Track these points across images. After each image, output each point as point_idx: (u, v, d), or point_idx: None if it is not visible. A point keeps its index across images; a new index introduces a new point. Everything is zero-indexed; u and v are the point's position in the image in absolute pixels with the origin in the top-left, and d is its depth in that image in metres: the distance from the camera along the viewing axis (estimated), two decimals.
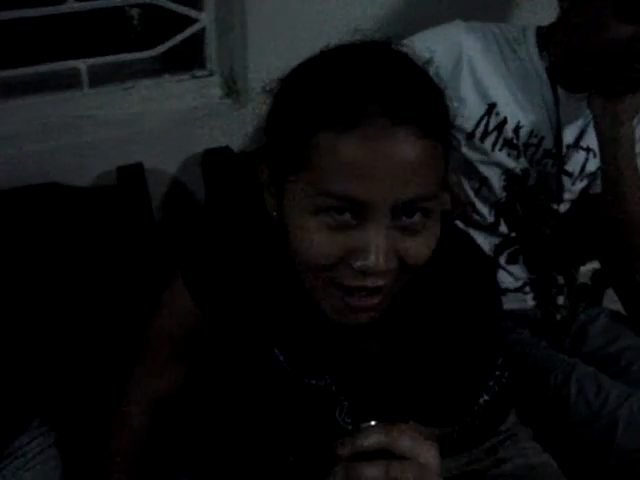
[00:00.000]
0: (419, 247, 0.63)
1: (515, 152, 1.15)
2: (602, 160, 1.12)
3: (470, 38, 1.13)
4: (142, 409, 0.89)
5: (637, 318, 1.22)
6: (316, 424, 0.85)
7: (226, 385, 0.98)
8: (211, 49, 1.37)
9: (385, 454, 0.52)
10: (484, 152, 1.15)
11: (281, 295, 0.77)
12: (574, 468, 1.01)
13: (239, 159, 1.30)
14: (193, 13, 1.33)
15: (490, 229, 1.21)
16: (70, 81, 1.30)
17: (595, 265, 1.37)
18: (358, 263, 0.61)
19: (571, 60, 1.08)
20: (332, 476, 0.52)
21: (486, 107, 1.13)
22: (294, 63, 0.66)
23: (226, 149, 1.32)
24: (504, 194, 1.19)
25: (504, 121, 1.13)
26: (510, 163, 1.16)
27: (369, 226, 0.60)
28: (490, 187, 1.18)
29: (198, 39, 1.37)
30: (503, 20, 1.32)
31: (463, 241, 0.82)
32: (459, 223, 1.20)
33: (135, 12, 1.48)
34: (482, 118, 1.13)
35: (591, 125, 1.14)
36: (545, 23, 1.15)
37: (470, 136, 1.14)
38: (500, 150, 1.15)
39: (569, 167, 1.19)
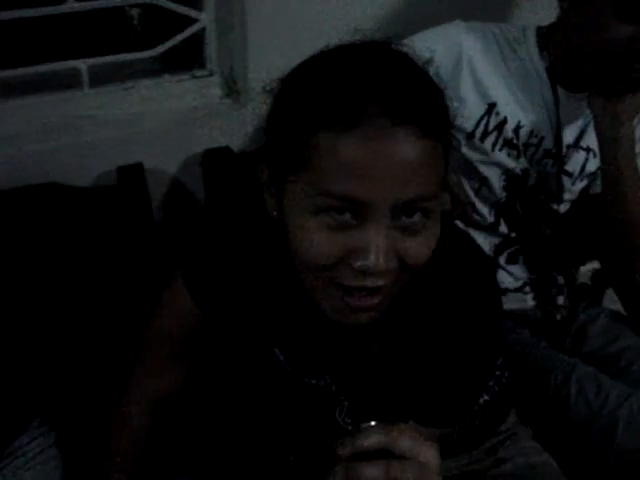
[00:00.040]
0: (419, 247, 0.63)
1: (515, 152, 1.15)
2: (602, 160, 1.12)
3: (470, 38, 1.13)
4: (142, 409, 0.89)
5: (637, 318, 1.22)
6: (316, 424, 0.85)
7: (226, 385, 0.99)
8: (211, 49, 1.37)
9: (385, 454, 0.52)
10: (484, 152, 1.15)
11: (281, 295, 0.77)
12: (574, 468, 1.02)
13: (239, 159, 1.30)
14: (193, 13, 1.33)
15: (490, 229, 1.21)
16: (70, 81, 1.30)
17: (595, 265, 1.37)
18: (358, 263, 0.61)
19: (571, 60, 1.08)
20: (332, 476, 0.52)
21: (486, 107, 1.13)
22: (295, 63, 0.66)
23: (226, 149, 1.32)
24: (504, 194, 1.19)
25: (504, 121, 1.13)
26: (510, 163, 1.16)
27: (369, 226, 0.60)
28: (490, 187, 1.18)
29: (198, 39, 1.37)
30: (503, 20, 1.32)
31: (463, 241, 0.82)
32: (459, 223, 1.20)
33: (135, 12, 1.48)
34: (482, 118, 1.13)
35: (591, 125, 1.14)
36: (545, 23, 1.15)
37: (470, 136, 1.14)
38: (500, 150, 1.15)
39: (569, 167, 1.19)
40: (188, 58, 1.39)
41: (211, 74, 1.39)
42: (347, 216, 0.60)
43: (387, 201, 0.59)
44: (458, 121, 1.11)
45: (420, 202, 0.61)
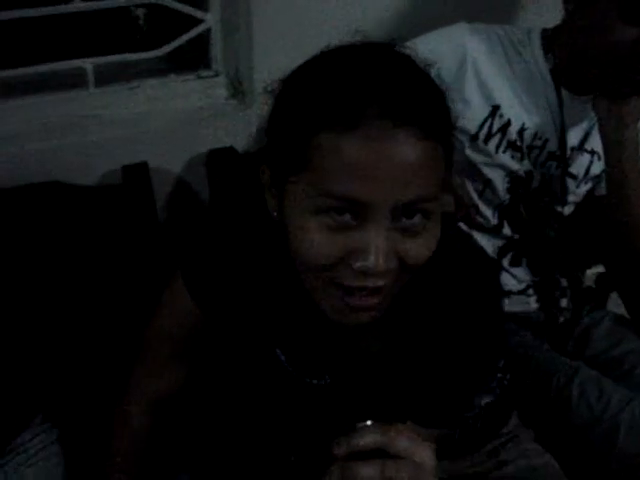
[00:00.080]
0: (419, 248, 0.63)
1: (519, 154, 1.15)
2: (606, 162, 1.12)
3: (474, 40, 1.13)
4: (142, 409, 0.89)
5: None
6: (317, 424, 0.85)
7: (227, 385, 0.99)
8: (217, 50, 1.37)
9: (381, 454, 0.52)
10: (488, 154, 1.15)
11: (282, 295, 0.77)
12: (576, 471, 1.01)
13: (243, 159, 1.31)
14: (199, 14, 1.33)
15: (494, 231, 1.21)
16: (76, 80, 1.31)
17: (600, 269, 1.37)
18: (358, 264, 0.61)
19: (576, 62, 1.08)
20: (328, 476, 0.53)
21: (490, 109, 1.13)
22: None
23: (230, 149, 1.32)
24: (508, 196, 1.19)
25: (508, 123, 1.13)
26: (514, 165, 1.16)
27: (369, 227, 0.60)
28: (494, 189, 1.18)
29: (204, 39, 1.37)
30: (508, 22, 1.32)
31: (466, 243, 0.82)
32: (463, 225, 1.20)
33: (141, 12, 1.49)
34: (486, 120, 1.13)
35: (596, 128, 1.13)
36: (550, 25, 1.15)
37: (474, 138, 1.14)
38: (504, 152, 1.14)
39: (573, 169, 1.19)
40: (194, 58, 1.40)
41: (216, 74, 1.39)
42: (347, 217, 0.61)
43: (387, 202, 0.59)
44: (462, 123, 1.11)
45: (420, 203, 0.61)
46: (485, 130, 1.13)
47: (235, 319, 0.81)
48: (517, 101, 1.14)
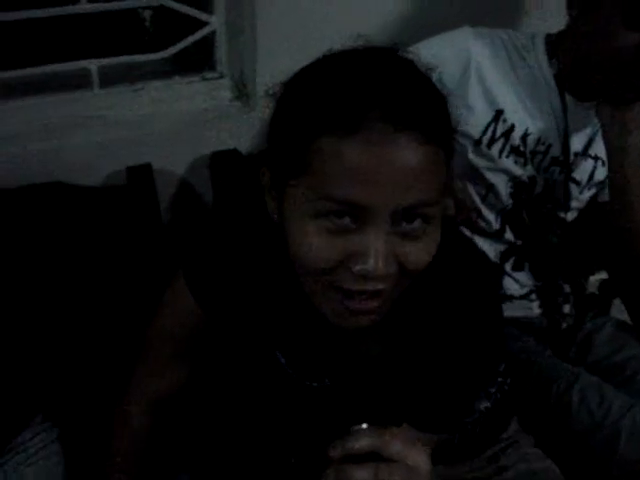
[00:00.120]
0: (419, 252, 0.63)
1: (522, 159, 1.15)
2: (609, 168, 1.12)
3: (478, 44, 1.13)
4: (142, 409, 0.90)
5: None
6: (317, 426, 0.85)
7: (227, 386, 0.99)
8: (221, 52, 1.38)
9: (376, 457, 0.52)
10: (491, 159, 1.15)
11: (282, 298, 0.77)
12: (576, 478, 1.01)
13: (247, 162, 1.31)
14: (204, 16, 1.34)
15: (496, 236, 1.21)
16: (80, 81, 1.31)
17: (604, 275, 1.37)
18: (357, 267, 0.61)
19: (579, 68, 1.08)
20: (324, 478, 0.53)
21: (493, 114, 1.13)
22: None
23: (234, 151, 1.32)
24: (511, 201, 1.19)
25: (511, 128, 1.13)
26: (517, 170, 1.16)
27: (369, 230, 0.60)
28: (497, 194, 1.18)
29: (208, 42, 1.38)
30: (512, 27, 1.32)
31: (466, 247, 0.82)
32: (465, 230, 1.20)
33: (147, 14, 1.49)
34: (489, 125, 1.13)
35: (599, 133, 1.13)
36: (554, 30, 1.15)
37: (477, 142, 1.14)
38: (507, 157, 1.14)
39: (577, 175, 1.19)
40: (198, 60, 1.40)
41: (221, 76, 1.39)
42: (347, 220, 0.61)
43: (388, 206, 0.60)
44: (465, 127, 1.12)
45: (421, 208, 0.61)
46: (488, 135, 1.13)
47: (236, 320, 0.82)
48: (521, 106, 1.13)
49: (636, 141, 1.07)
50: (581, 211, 1.24)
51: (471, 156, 1.15)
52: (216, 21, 1.34)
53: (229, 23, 1.34)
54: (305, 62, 0.66)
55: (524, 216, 1.20)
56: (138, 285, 1.14)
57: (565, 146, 1.15)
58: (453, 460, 0.94)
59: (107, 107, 1.31)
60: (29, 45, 1.39)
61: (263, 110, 0.69)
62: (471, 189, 1.19)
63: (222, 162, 1.31)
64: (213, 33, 1.36)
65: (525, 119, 1.14)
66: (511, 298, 1.23)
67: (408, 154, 0.59)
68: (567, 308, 1.25)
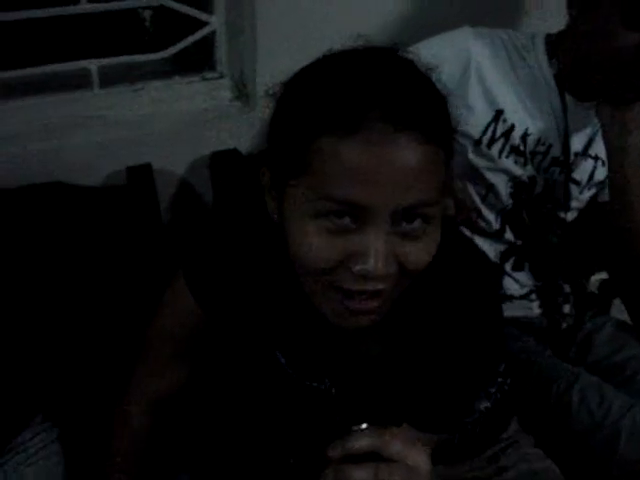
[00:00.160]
0: (419, 252, 0.63)
1: (522, 159, 1.15)
2: (609, 168, 1.12)
3: (478, 44, 1.13)
4: (142, 409, 0.90)
5: None
6: (317, 427, 0.85)
7: (227, 386, 0.99)
8: (221, 52, 1.38)
9: (376, 457, 0.52)
10: (491, 159, 1.15)
11: (282, 298, 0.77)
12: (576, 478, 1.01)
13: (247, 162, 1.31)
14: (204, 16, 1.34)
15: (496, 236, 1.21)
16: (80, 81, 1.31)
17: (604, 275, 1.37)
18: (357, 267, 0.61)
19: (579, 68, 1.08)
20: (323, 478, 0.53)
21: (493, 114, 1.13)
22: None
23: (234, 151, 1.32)
24: (511, 201, 1.19)
25: (511, 128, 1.13)
26: (517, 170, 1.16)
27: (369, 230, 0.60)
28: (497, 194, 1.18)
29: (208, 42, 1.38)
30: (512, 27, 1.32)
31: (466, 247, 0.82)
32: (465, 230, 1.20)
33: (147, 14, 1.49)
34: (489, 125, 1.13)
35: (599, 133, 1.13)
36: (554, 30, 1.15)
37: (477, 142, 1.14)
38: (507, 157, 1.14)
39: (577, 175, 1.19)
40: (198, 60, 1.40)
41: (221, 76, 1.39)
42: (347, 220, 0.61)
43: (388, 206, 0.60)
44: (465, 127, 1.12)
45: (421, 208, 0.61)
46: (488, 135, 1.13)
47: (236, 320, 0.82)
48: (521, 106, 1.13)
49: (636, 141, 1.07)
50: (581, 211, 1.24)
51: (471, 156, 1.15)
52: (216, 21, 1.34)
53: (229, 23, 1.34)
54: (305, 62, 0.66)
55: (524, 216, 1.20)
56: (138, 285, 1.14)
57: (565, 146, 1.15)
58: (453, 460, 0.94)
59: (107, 107, 1.31)
60: (29, 45, 1.39)
61: (263, 110, 0.69)
62: (471, 189, 1.19)
63: (222, 162, 1.31)
64: (213, 33, 1.36)
65: (525, 119, 1.14)
66: (511, 298, 1.23)
67: (408, 154, 0.59)
68: (567, 308, 1.25)
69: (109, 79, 1.32)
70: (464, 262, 0.77)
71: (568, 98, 1.13)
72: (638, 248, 1.14)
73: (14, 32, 1.31)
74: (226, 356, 0.92)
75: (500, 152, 1.14)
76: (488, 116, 1.13)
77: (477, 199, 1.20)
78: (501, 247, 1.22)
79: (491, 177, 1.17)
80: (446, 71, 1.07)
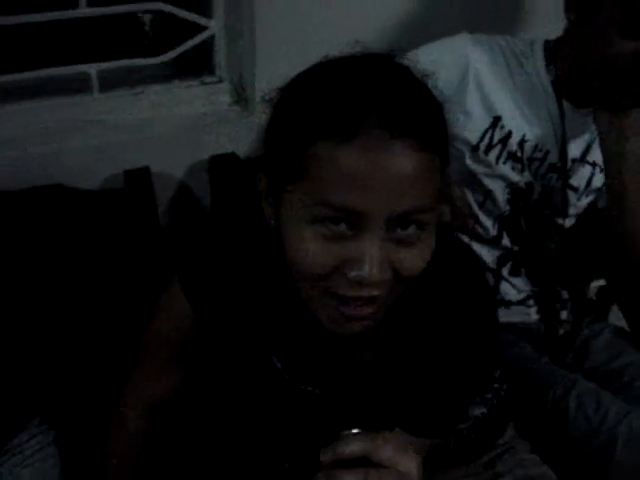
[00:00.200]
0: (414, 259, 0.63)
1: (519, 165, 1.15)
2: (606, 174, 1.12)
3: (477, 50, 1.13)
4: (138, 413, 0.89)
5: None
6: (311, 431, 0.85)
7: (223, 390, 0.99)
8: (220, 56, 1.38)
9: (367, 462, 0.52)
10: (488, 165, 1.15)
11: (279, 303, 0.77)
12: None
13: (245, 166, 1.31)
14: (203, 20, 1.34)
15: (493, 242, 1.21)
16: (80, 85, 1.31)
17: (603, 281, 1.37)
18: (353, 273, 0.61)
19: (576, 74, 1.08)
20: None
21: (491, 120, 1.13)
22: None
23: (232, 155, 1.32)
24: (508, 207, 1.19)
25: (509, 134, 1.13)
26: (514, 176, 1.16)
27: (364, 237, 0.61)
28: (494, 200, 1.18)
29: (207, 46, 1.38)
30: (511, 33, 1.33)
31: (462, 253, 0.82)
32: (462, 236, 1.20)
33: (146, 18, 1.49)
34: (487, 131, 1.13)
35: (597, 140, 1.13)
36: (553, 37, 1.15)
37: (475, 148, 1.14)
38: (504, 163, 1.15)
39: (574, 181, 1.19)
40: (198, 64, 1.40)
41: (220, 81, 1.40)
42: (342, 226, 0.61)
43: (382, 212, 0.60)
44: (463, 134, 1.12)
45: (415, 214, 0.61)
46: (486, 141, 1.13)
47: (232, 325, 0.82)
48: (518, 112, 1.14)
49: (633, 147, 1.08)
50: (579, 217, 1.25)
51: (469, 162, 1.15)
52: (215, 25, 1.35)
53: (228, 27, 1.35)
54: (303, 66, 0.66)
55: (521, 222, 1.20)
56: (135, 288, 1.14)
57: (563, 152, 1.15)
58: (449, 465, 0.94)
59: (107, 111, 1.31)
60: (29, 49, 1.39)
61: (260, 115, 0.69)
62: (469, 195, 1.19)
63: (221, 166, 1.31)
64: (212, 37, 1.36)
65: (523, 125, 1.14)
66: (508, 303, 1.23)
67: (403, 161, 0.59)
68: (565, 314, 1.25)
69: (109, 83, 1.33)
70: (459, 268, 0.77)
71: (566, 105, 1.14)
72: (635, 254, 1.14)
73: (14, 36, 1.31)
74: (222, 360, 0.92)
75: (497, 158, 1.14)
76: (486, 122, 1.13)
77: (475, 205, 1.20)
78: (498, 253, 1.22)
79: (489, 183, 1.17)
80: (444, 77, 1.07)
